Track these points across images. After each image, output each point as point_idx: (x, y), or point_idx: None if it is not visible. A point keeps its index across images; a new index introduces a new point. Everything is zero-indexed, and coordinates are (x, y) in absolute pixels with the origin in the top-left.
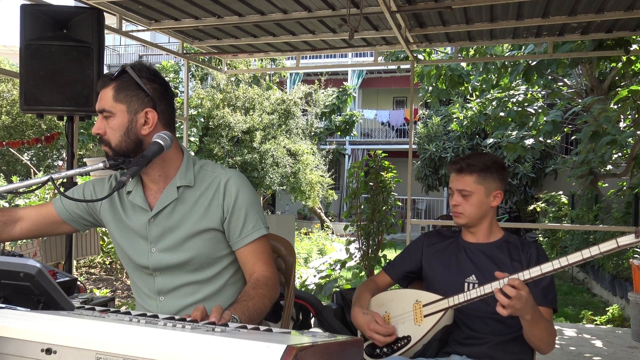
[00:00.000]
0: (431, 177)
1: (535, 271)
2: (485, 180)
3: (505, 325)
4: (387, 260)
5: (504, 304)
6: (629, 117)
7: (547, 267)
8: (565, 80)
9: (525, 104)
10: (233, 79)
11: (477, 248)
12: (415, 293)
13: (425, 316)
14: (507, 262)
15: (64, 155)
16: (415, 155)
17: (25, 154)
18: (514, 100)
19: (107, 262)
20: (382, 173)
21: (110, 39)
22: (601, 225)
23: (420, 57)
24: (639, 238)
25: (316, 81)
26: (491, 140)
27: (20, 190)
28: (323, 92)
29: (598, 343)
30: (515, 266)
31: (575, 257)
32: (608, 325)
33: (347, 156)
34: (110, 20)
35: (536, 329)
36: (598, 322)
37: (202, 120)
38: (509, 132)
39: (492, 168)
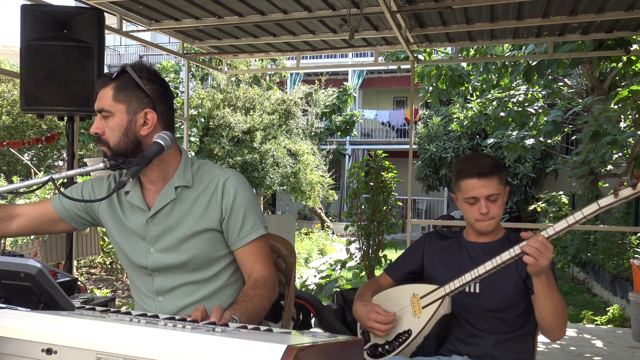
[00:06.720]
0: (431, 177)
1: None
2: (503, 178)
3: (507, 323)
4: (388, 261)
5: (531, 252)
6: (630, 117)
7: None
8: (566, 80)
9: (526, 104)
10: (233, 79)
11: (479, 247)
12: (411, 287)
13: (423, 307)
14: None
15: (65, 155)
16: (415, 156)
17: (26, 154)
18: (515, 100)
19: (107, 262)
20: (383, 173)
21: (110, 39)
22: (601, 225)
23: (421, 57)
24: (618, 197)
25: (316, 81)
26: (491, 140)
27: (21, 190)
28: (323, 92)
29: (598, 343)
30: (517, 262)
31: (561, 225)
32: (608, 326)
33: (347, 156)
34: (110, 20)
35: (550, 297)
36: (598, 322)
37: (203, 120)
38: (510, 132)
39: (503, 165)
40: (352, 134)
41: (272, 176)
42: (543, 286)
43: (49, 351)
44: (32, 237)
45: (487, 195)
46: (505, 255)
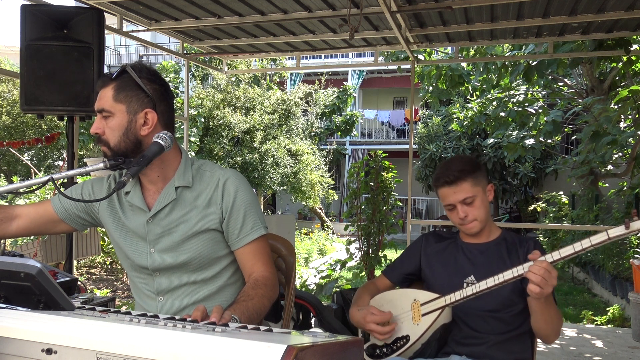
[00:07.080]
0: (431, 177)
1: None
2: (477, 179)
3: (505, 323)
4: (388, 261)
5: (537, 282)
6: (630, 117)
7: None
8: (566, 80)
9: (526, 104)
10: (233, 79)
11: (476, 248)
12: (413, 292)
13: (423, 315)
14: (506, 259)
15: (65, 155)
16: (415, 156)
17: (26, 154)
18: (515, 100)
19: (107, 262)
20: (383, 173)
21: (110, 39)
22: (602, 226)
23: (421, 57)
24: (629, 229)
25: (316, 81)
26: (491, 140)
27: (21, 190)
28: (323, 92)
29: (598, 343)
30: (514, 263)
31: (567, 251)
32: (608, 326)
33: (347, 156)
34: (110, 20)
35: (547, 313)
36: (598, 322)
37: (203, 120)
38: (510, 132)
39: (476, 166)
40: (352, 134)
41: (272, 176)
42: (541, 305)
43: (49, 351)
44: (32, 237)
45: (462, 200)
46: (508, 275)
